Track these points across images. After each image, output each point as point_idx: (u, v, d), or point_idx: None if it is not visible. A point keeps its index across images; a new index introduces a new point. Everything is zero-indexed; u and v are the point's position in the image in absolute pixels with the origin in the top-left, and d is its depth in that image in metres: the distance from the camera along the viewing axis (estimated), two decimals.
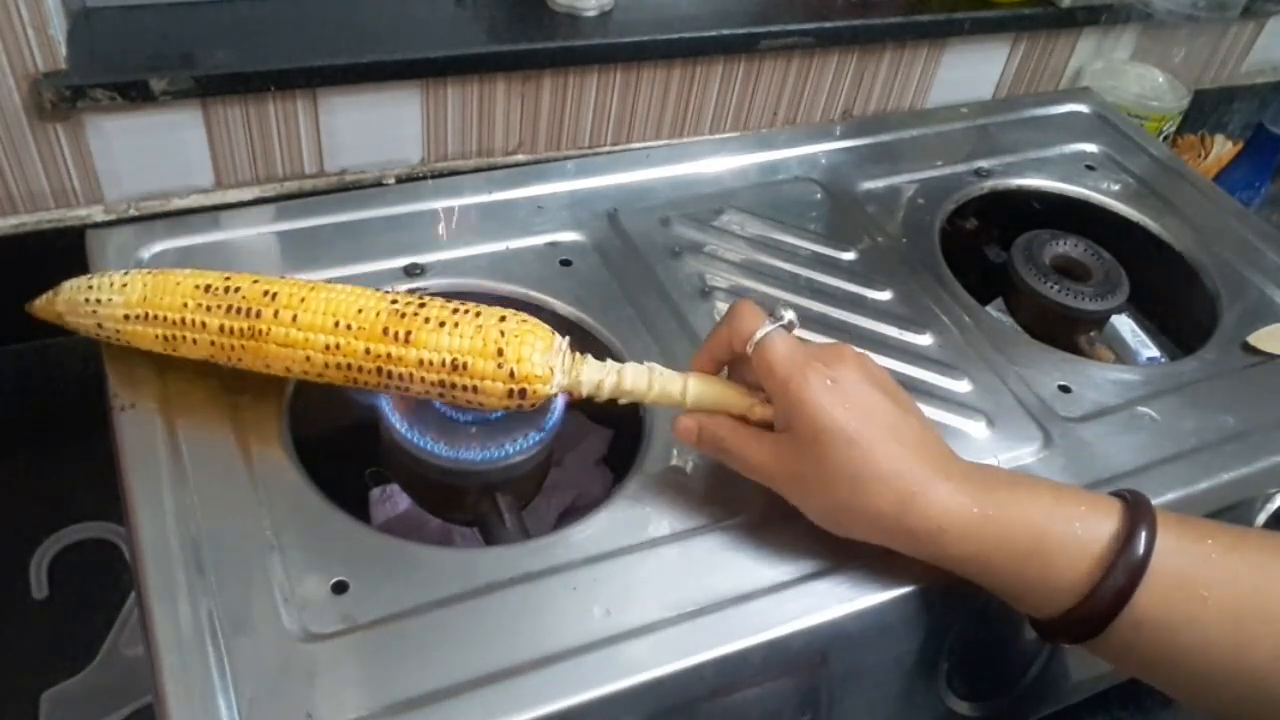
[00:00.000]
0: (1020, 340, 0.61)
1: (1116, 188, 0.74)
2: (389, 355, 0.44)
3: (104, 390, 0.49)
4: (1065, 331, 0.65)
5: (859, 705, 0.48)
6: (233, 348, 0.46)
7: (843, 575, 0.45)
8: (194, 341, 0.46)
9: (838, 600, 0.44)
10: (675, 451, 0.50)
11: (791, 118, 0.90)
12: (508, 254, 0.59)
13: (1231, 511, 0.55)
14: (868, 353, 0.46)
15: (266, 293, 0.45)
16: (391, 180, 0.77)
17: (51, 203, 0.68)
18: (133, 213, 0.70)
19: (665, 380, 0.46)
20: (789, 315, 0.45)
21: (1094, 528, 0.41)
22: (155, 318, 0.46)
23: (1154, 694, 0.61)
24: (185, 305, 0.46)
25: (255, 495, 0.45)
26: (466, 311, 0.44)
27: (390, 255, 0.57)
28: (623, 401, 0.46)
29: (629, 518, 0.46)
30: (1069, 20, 0.94)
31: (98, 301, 0.48)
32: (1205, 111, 1.11)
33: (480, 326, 0.44)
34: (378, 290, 0.46)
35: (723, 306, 0.58)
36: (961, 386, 0.56)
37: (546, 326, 0.45)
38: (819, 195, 0.69)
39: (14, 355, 0.70)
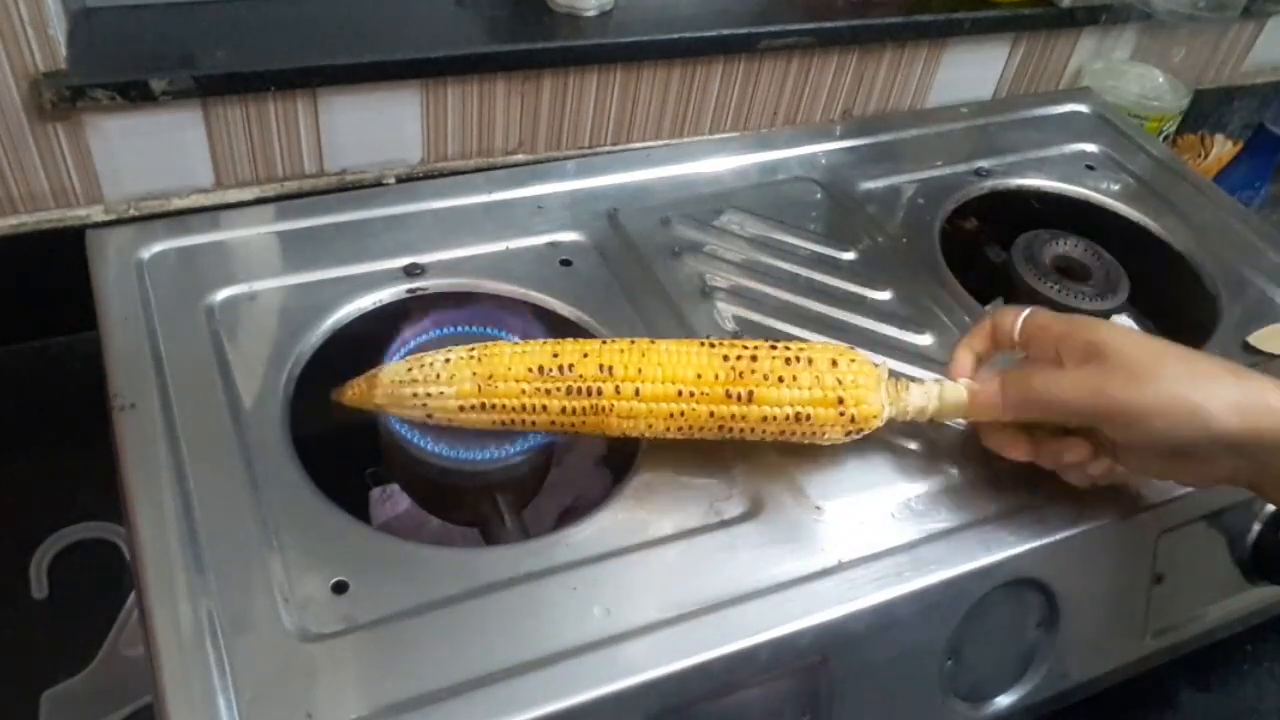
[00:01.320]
0: None
1: (1116, 188, 0.74)
2: (733, 415, 0.46)
3: (104, 390, 0.49)
4: None
5: (859, 706, 0.48)
6: (574, 425, 0.47)
7: (844, 575, 0.45)
8: (534, 423, 0.47)
9: (838, 600, 0.44)
10: (675, 452, 0.50)
11: (791, 118, 0.90)
12: (508, 254, 0.59)
13: (1231, 511, 0.55)
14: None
15: (602, 366, 0.46)
16: (391, 180, 0.77)
17: (51, 203, 0.68)
18: (133, 213, 0.70)
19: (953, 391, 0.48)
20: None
21: None
22: (494, 407, 0.46)
23: (1154, 694, 0.61)
24: (523, 391, 0.46)
25: (255, 495, 0.45)
26: (799, 360, 0.46)
27: (390, 255, 0.57)
28: (944, 419, 0.49)
29: (629, 518, 0.46)
30: (1069, 20, 0.94)
31: (427, 395, 0.46)
32: (1205, 111, 1.11)
33: (817, 376, 0.46)
34: (704, 343, 0.47)
35: (723, 306, 0.58)
36: None
37: (869, 360, 0.48)
38: (819, 195, 0.69)
39: (14, 355, 0.70)
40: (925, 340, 0.59)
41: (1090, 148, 0.78)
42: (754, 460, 0.50)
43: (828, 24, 0.84)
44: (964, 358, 0.49)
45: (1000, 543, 0.48)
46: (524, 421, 0.46)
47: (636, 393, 0.46)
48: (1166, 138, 0.99)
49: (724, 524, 0.47)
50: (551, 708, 0.39)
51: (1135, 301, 0.68)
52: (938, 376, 0.50)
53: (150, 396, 0.48)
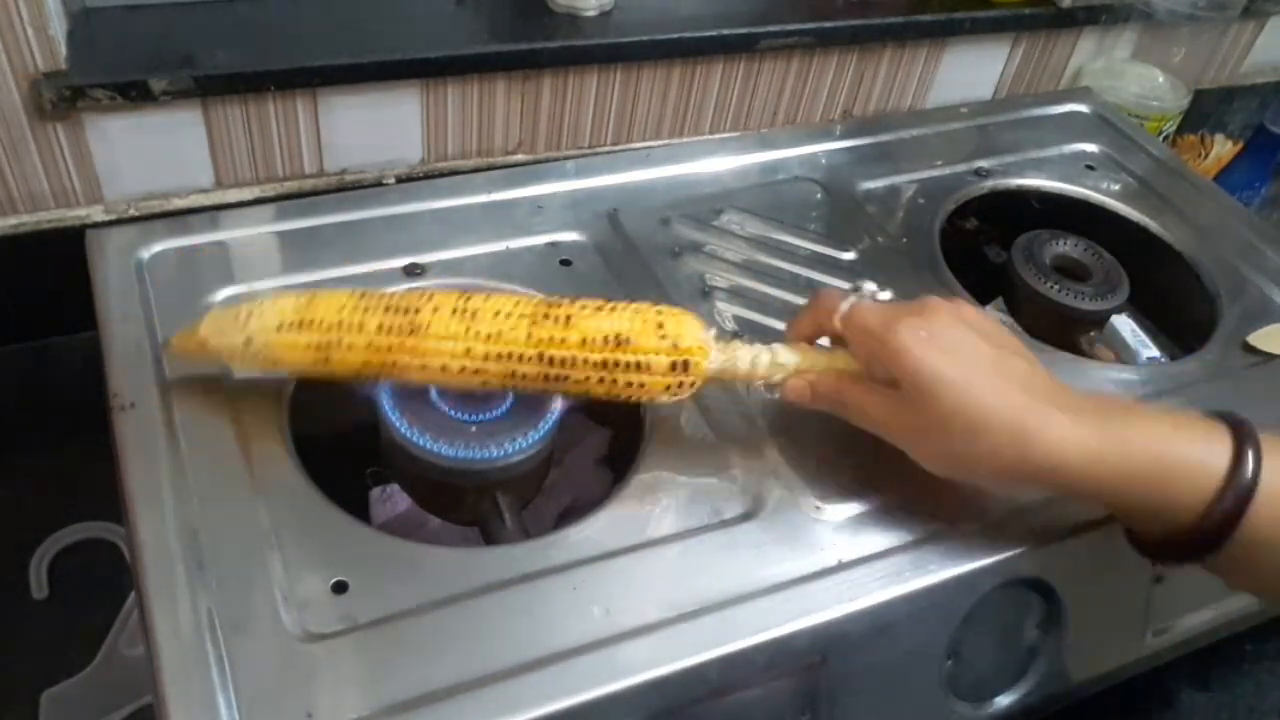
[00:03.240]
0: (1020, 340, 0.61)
1: (1116, 187, 0.74)
2: (550, 338, 0.44)
3: (104, 390, 0.49)
4: (1065, 331, 0.65)
5: (859, 706, 0.48)
6: (390, 348, 0.45)
7: (843, 575, 0.45)
8: (349, 346, 0.45)
9: (838, 600, 0.44)
10: (675, 452, 0.50)
11: (791, 118, 0.90)
12: (508, 254, 0.59)
13: None
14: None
15: (421, 294, 0.46)
16: (391, 180, 0.77)
17: (51, 203, 0.68)
18: (133, 213, 0.70)
19: (815, 355, 0.47)
20: (870, 285, 0.47)
21: (1211, 454, 0.42)
22: (311, 323, 0.46)
23: (1154, 694, 0.61)
24: (342, 308, 0.46)
25: (255, 495, 0.45)
26: (619, 305, 0.46)
27: (390, 255, 0.57)
28: (776, 379, 0.47)
29: (629, 518, 0.46)
30: (1069, 20, 0.94)
31: (249, 314, 0.46)
32: (1205, 111, 1.11)
33: (637, 311, 0.45)
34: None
35: (723, 306, 0.58)
36: None
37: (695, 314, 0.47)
38: (819, 195, 0.69)
39: (14, 355, 0.70)
40: None
41: (1090, 148, 0.78)
42: (754, 460, 0.50)
43: (828, 24, 0.84)
44: (795, 334, 0.49)
45: (1000, 543, 0.48)
46: (339, 343, 0.45)
47: (454, 311, 0.45)
48: (1166, 138, 0.99)
49: (724, 524, 0.47)
50: (551, 708, 0.39)
51: (1135, 301, 0.68)
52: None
53: (150, 396, 0.48)
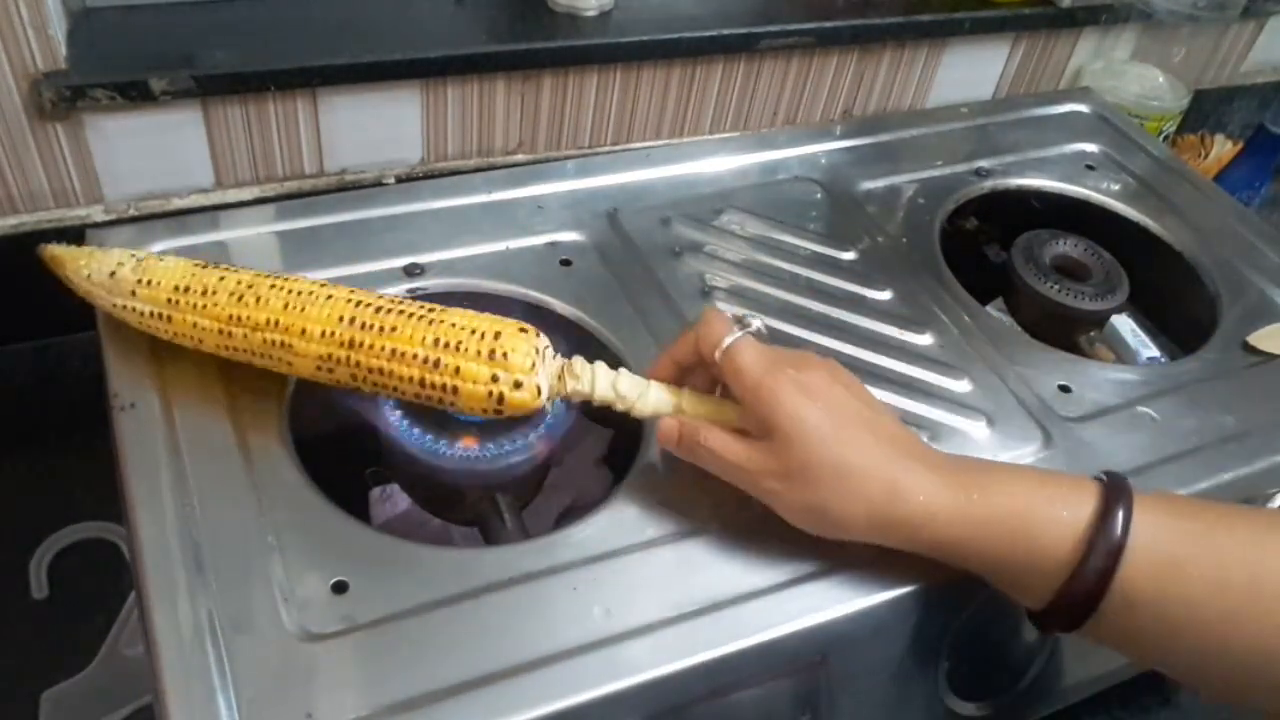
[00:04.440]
0: (1020, 340, 0.61)
1: (1116, 187, 0.74)
2: (370, 346, 0.44)
3: (104, 390, 0.49)
4: (1065, 331, 0.65)
5: (858, 705, 0.48)
6: (230, 336, 0.46)
7: (842, 575, 0.45)
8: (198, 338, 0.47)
9: (837, 600, 0.44)
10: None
11: (791, 118, 0.90)
12: (508, 254, 0.59)
13: None
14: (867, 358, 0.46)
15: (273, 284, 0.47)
16: (391, 180, 0.77)
17: (51, 203, 0.68)
18: (133, 213, 0.70)
19: (656, 392, 0.46)
20: (757, 323, 0.46)
21: (1076, 509, 0.41)
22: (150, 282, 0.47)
23: (1154, 694, 0.61)
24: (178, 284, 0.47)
25: (255, 495, 0.45)
26: (439, 312, 0.45)
27: (390, 255, 0.57)
28: (619, 409, 0.46)
29: (629, 518, 0.47)
30: (1069, 20, 0.94)
31: (130, 273, 0.48)
32: (1205, 111, 1.11)
33: (468, 320, 0.44)
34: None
35: (723, 306, 0.58)
36: (961, 386, 0.56)
37: (528, 328, 0.45)
38: (819, 195, 0.69)
39: (14, 355, 0.70)
40: (925, 340, 0.59)
41: (1090, 148, 0.78)
42: None
43: (828, 24, 0.84)
44: (665, 364, 0.48)
45: None
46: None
47: (283, 307, 0.45)
48: (1166, 138, 0.99)
49: (724, 524, 0.47)
50: (551, 708, 0.39)
51: (1135, 301, 0.68)
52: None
53: (150, 396, 0.48)
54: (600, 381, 0.45)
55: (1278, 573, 0.40)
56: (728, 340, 0.44)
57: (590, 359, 0.46)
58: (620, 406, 0.46)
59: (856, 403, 0.44)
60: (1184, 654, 0.41)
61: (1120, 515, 0.41)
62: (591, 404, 0.46)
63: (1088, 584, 0.40)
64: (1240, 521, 0.42)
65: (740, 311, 0.58)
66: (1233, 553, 0.41)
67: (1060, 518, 0.41)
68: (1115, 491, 0.42)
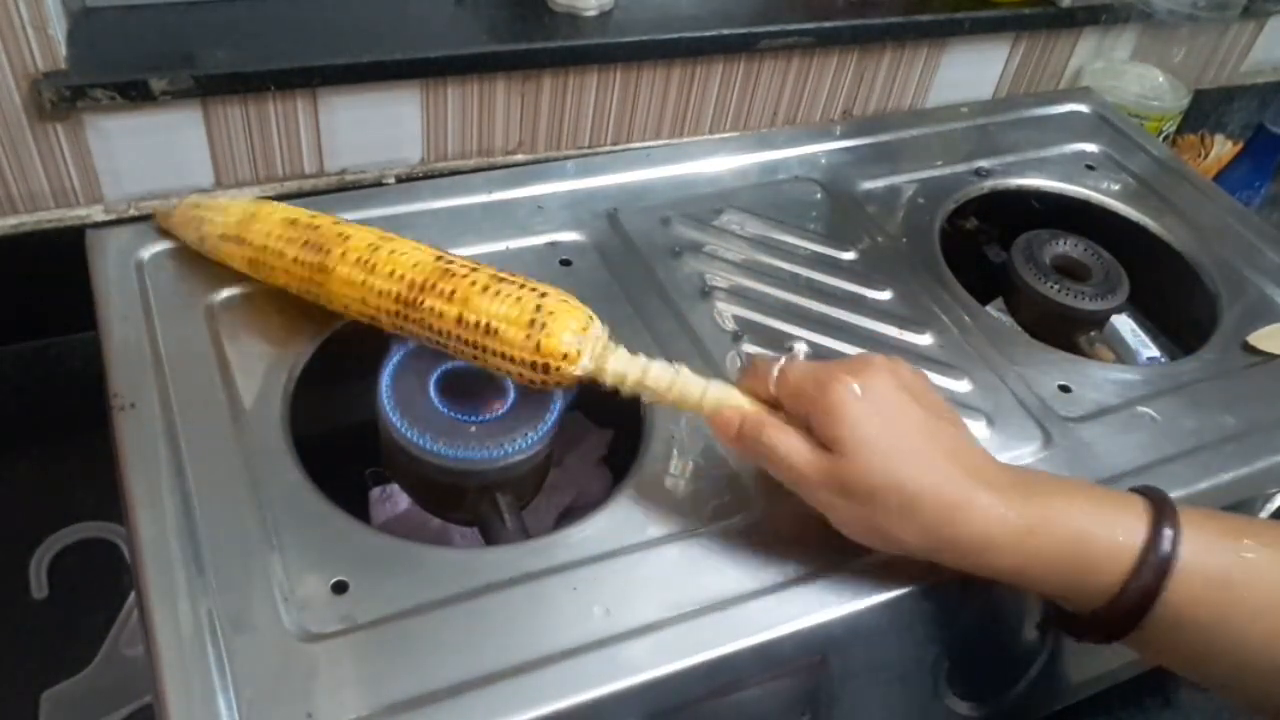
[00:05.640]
0: (1020, 340, 0.61)
1: (1116, 187, 0.74)
2: (433, 309, 0.47)
3: (104, 390, 0.49)
4: (1065, 331, 0.65)
5: (858, 705, 0.48)
6: (302, 278, 0.51)
7: (843, 575, 0.45)
8: (272, 268, 0.51)
9: (837, 600, 0.44)
10: (675, 452, 0.50)
11: (791, 118, 0.90)
12: (508, 254, 0.59)
13: (1233, 509, 0.55)
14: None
15: (340, 235, 0.50)
16: (391, 180, 0.77)
17: (51, 202, 0.68)
18: (133, 213, 0.70)
19: (686, 383, 0.45)
20: (802, 346, 0.45)
21: (1131, 531, 0.41)
22: (245, 241, 0.52)
23: (1154, 694, 0.61)
24: (270, 234, 0.51)
25: (255, 495, 0.45)
26: (513, 283, 0.46)
27: None
28: (645, 398, 0.46)
29: (629, 518, 0.46)
30: (1069, 20, 0.94)
31: (202, 219, 0.54)
32: (1205, 111, 1.11)
33: (520, 299, 0.46)
34: (440, 251, 0.49)
35: (723, 306, 0.58)
36: (961, 386, 0.56)
37: (586, 310, 0.46)
38: (819, 195, 0.69)
39: (14, 355, 0.70)
40: (925, 340, 0.59)
41: (1090, 148, 0.78)
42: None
43: (828, 24, 0.84)
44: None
45: None
46: (266, 265, 0.52)
47: (359, 261, 0.49)
48: (1166, 138, 0.99)
49: (724, 524, 0.47)
50: (551, 708, 0.39)
51: (1135, 301, 0.68)
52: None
53: (150, 396, 0.48)
54: (622, 366, 0.45)
55: None
56: (776, 370, 0.44)
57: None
58: (648, 397, 0.45)
59: (919, 411, 0.43)
60: (1228, 668, 0.41)
61: (1168, 535, 0.40)
62: (623, 392, 0.46)
63: (1131, 602, 0.40)
64: None
65: (742, 312, 0.58)
66: None
67: (1116, 542, 0.41)
68: (1162, 511, 0.41)
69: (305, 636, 0.40)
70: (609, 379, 0.45)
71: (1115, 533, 0.41)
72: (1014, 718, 0.54)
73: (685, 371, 0.45)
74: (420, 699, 0.39)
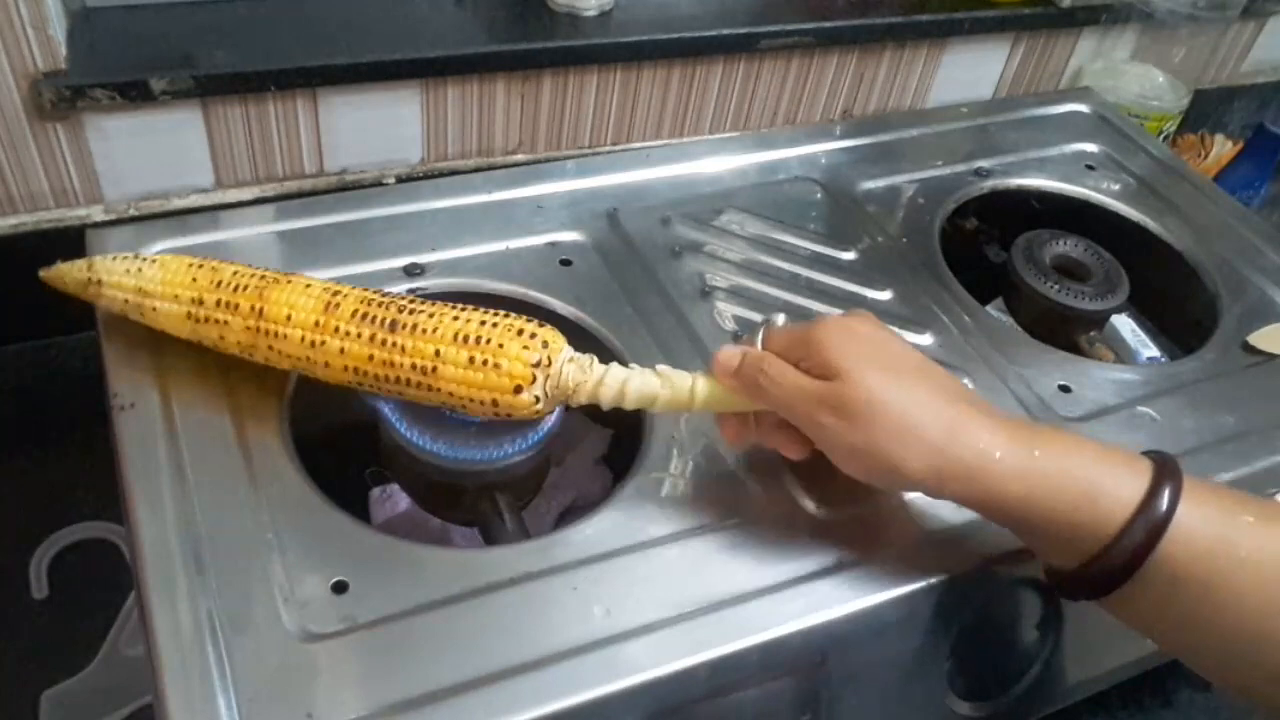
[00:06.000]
0: (1020, 340, 0.61)
1: (1116, 187, 0.74)
2: (387, 360, 0.45)
3: (104, 390, 0.49)
4: (1065, 331, 0.65)
5: (859, 705, 0.48)
6: (253, 346, 0.47)
7: (843, 575, 0.45)
8: (221, 337, 0.48)
9: (838, 600, 0.44)
10: (675, 452, 0.50)
11: (791, 118, 0.90)
12: (508, 254, 0.59)
13: None
14: None
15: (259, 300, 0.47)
16: (391, 180, 0.77)
17: (51, 203, 0.68)
18: (133, 213, 0.70)
19: (675, 381, 0.45)
20: (776, 316, 0.46)
21: (1127, 483, 0.41)
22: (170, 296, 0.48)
23: (1154, 695, 0.61)
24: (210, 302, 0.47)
25: (255, 495, 0.45)
26: (458, 321, 0.44)
27: (390, 255, 0.57)
28: (629, 408, 0.46)
29: (629, 518, 0.46)
30: (1069, 20, 0.94)
31: (139, 271, 0.49)
32: (1205, 111, 1.11)
33: (457, 336, 0.44)
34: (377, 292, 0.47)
35: (723, 306, 0.58)
36: None
37: (548, 329, 0.45)
38: (819, 195, 0.69)
39: (14, 355, 0.70)
40: (925, 340, 0.59)
41: (1090, 148, 0.78)
42: (754, 460, 0.50)
43: (828, 24, 0.84)
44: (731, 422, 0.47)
45: (1001, 543, 0.48)
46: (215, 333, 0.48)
47: (301, 339, 0.46)
48: (1166, 138, 0.99)
49: (724, 524, 0.47)
50: (551, 708, 0.39)
51: (1135, 301, 0.68)
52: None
53: (150, 396, 0.48)
54: (578, 375, 0.45)
55: None
56: (761, 333, 0.45)
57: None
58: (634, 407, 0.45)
59: (912, 351, 0.44)
60: (1216, 640, 0.41)
61: (1167, 494, 0.40)
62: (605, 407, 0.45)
63: (1123, 556, 0.40)
64: None
65: (742, 312, 0.58)
66: None
67: (1118, 490, 0.41)
68: (1164, 471, 0.41)
69: (305, 636, 0.40)
70: (573, 391, 0.45)
71: (1122, 480, 0.41)
72: (1014, 717, 0.54)
73: (668, 377, 0.45)
74: (420, 699, 0.39)
